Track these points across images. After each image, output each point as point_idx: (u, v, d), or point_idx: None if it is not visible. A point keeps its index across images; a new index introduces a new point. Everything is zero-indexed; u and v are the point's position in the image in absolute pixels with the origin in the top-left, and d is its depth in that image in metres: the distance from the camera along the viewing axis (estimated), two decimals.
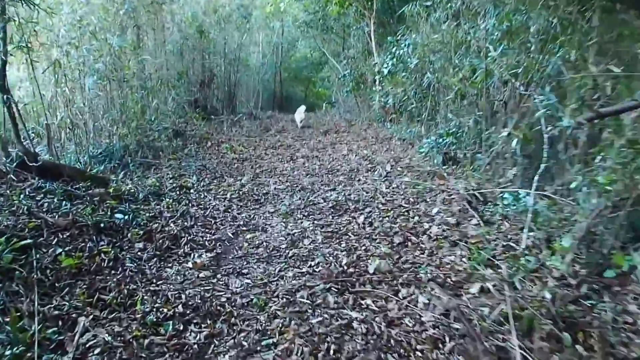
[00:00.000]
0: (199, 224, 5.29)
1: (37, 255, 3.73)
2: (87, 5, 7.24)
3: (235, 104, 15.33)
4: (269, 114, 18.66)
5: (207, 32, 12.84)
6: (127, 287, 3.71)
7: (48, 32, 6.79)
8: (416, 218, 5.43)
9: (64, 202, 4.78)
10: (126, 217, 4.84)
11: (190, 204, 5.87)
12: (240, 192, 6.49)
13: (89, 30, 6.98)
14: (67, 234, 4.26)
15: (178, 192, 6.25)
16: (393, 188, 6.61)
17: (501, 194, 5.56)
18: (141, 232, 4.71)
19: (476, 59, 6.85)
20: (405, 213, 5.65)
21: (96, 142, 7.35)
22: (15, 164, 5.05)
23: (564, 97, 5.22)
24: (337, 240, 4.95)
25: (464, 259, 4.36)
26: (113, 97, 7.56)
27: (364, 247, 4.74)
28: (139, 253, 4.38)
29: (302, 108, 14.26)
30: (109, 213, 4.82)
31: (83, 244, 4.20)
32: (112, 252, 4.20)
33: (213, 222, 5.42)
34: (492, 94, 6.54)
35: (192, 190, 6.43)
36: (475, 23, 7.28)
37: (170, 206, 5.57)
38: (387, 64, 10.00)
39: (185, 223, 5.21)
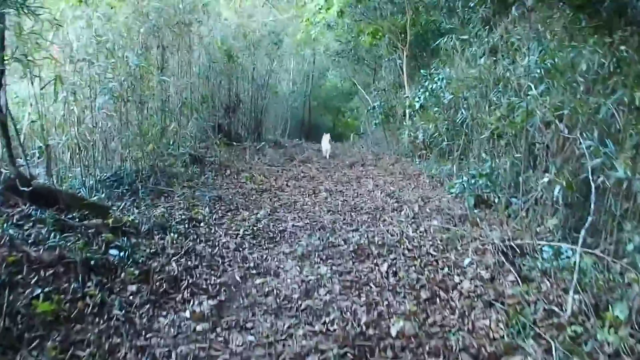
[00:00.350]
0: (204, 264, 4.78)
1: (11, 297, 3.23)
2: (107, 22, 6.91)
3: (261, 131, 14.95)
4: (295, 142, 18.32)
5: (236, 57, 12.54)
6: (110, 340, 3.20)
7: (64, 47, 6.48)
8: (446, 269, 4.87)
9: (53, 233, 4.32)
10: (122, 253, 4.36)
11: (198, 240, 5.39)
12: (255, 228, 5.99)
13: (106, 47, 6.62)
14: (51, 271, 3.78)
15: (186, 225, 5.75)
16: (421, 232, 6.06)
17: (540, 247, 5.00)
18: (137, 271, 4.21)
19: (515, 97, 6.34)
20: (434, 262, 5.10)
21: (106, 165, 6.96)
22: (1, 187, 4.57)
23: (614, 143, 4.68)
24: (357, 292, 4.41)
25: (500, 324, 3.78)
26: (128, 119, 7.18)
27: (386, 302, 4.19)
28: (131, 297, 3.89)
29: (328, 137, 13.77)
30: (103, 248, 4.35)
31: (67, 285, 3.71)
32: (100, 295, 3.70)
33: (220, 262, 4.92)
34: (532, 135, 5.99)
35: (202, 224, 5.94)
36: (514, 59, 6.79)
37: (175, 242, 5.09)
38: (419, 97, 9.53)
39: (189, 262, 4.72)
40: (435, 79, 9.24)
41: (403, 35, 12.15)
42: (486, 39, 7.88)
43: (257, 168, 10.11)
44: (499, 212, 6.47)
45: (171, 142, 8.50)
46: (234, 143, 12.03)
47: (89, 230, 4.58)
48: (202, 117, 10.90)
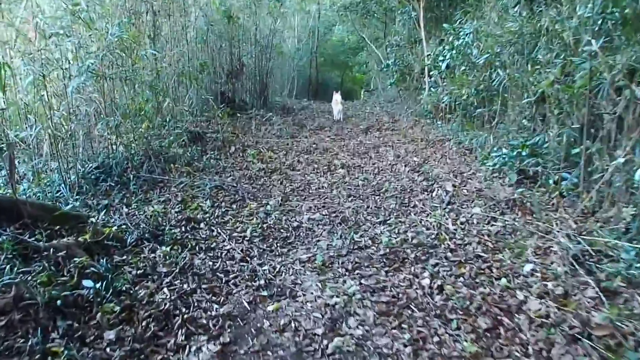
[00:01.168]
0: (203, 285, 3.78)
1: None
2: None
3: (267, 94, 13.78)
4: (304, 103, 17.27)
5: (236, 18, 11.33)
6: None
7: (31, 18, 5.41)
8: (503, 280, 3.86)
9: (12, 262, 3.35)
10: (99, 284, 3.37)
11: (196, 249, 4.38)
12: (264, 226, 4.98)
13: (81, 17, 5.52)
14: (3, 321, 2.86)
15: (183, 229, 4.73)
16: (462, 224, 5.02)
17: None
18: (118, 307, 3.24)
19: (572, 56, 5.21)
20: (486, 269, 4.08)
21: (92, 155, 5.95)
22: None
23: None
24: (396, 321, 3.40)
25: None
26: (113, 99, 6.13)
27: (436, 338, 3.20)
28: (108, 350, 2.92)
29: (338, 96, 12.64)
30: (75, 278, 3.38)
31: (23, 340, 2.78)
32: (65, 353, 2.76)
33: (224, 280, 3.92)
34: (596, 102, 4.88)
35: (202, 224, 4.91)
36: (562, 8, 5.62)
37: (168, 256, 4.09)
38: (444, 56, 8.30)
39: (185, 285, 3.73)
40: (461, 33, 8.02)
41: None
42: None
43: (265, 141, 9.04)
44: (549, 190, 5.44)
45: (167, 120, 7.44)
46: (239, 112, 10.94)
47: (59, 254, 3.60)
48: (202, 86, 9.82)
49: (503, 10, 7.40)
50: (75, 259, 3.57)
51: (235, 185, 6.19)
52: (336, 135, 10.45)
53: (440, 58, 8.29)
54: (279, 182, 6.65)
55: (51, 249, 3.61)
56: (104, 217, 4.72)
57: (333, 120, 12.57)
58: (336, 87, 27.17)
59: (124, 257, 3.98)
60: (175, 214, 5.07)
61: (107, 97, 5.93)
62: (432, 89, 8.94)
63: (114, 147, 6.08)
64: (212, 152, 7.66)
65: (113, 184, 5.59)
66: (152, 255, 4.10)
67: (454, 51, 7.88)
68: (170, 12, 8.72)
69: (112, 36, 5.56)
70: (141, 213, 4.94)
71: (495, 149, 6.72)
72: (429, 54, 9.68)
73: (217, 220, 5.11)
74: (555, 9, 5.82)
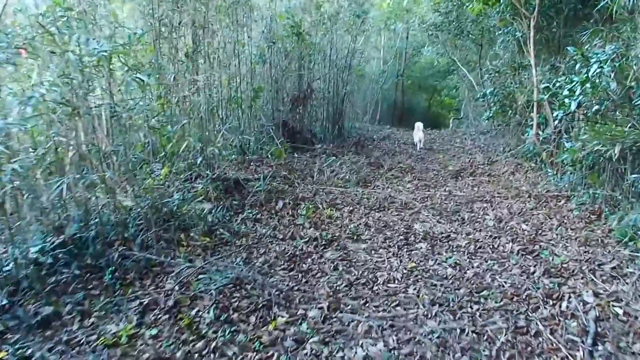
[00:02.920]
0: None
1: None
2: None
3: (342, 124, 11.79)
4: (386, 131, 15.29)
5: (307, 34, 9.48)
6: None
7: None
8: None
9: None
10: None
11: None
12: None
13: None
14: None
15: None
16: None
17: None
18: None
19: None
20: None
21: (50, 228, 4.10)
22: None
23: None
24: None
25: None
26: (97, 142, 4.30)
27: None
28: None
29: (420, 125, 12.05)
30: None
31: None
32: None
33: None
34: None
35: None
36: None
37: None
38: (572, 90, 5.81)
39: None
40: (593, 59, 5.63)
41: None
42: None
43: (327, 191, 6.99)
44: None
45: (196, 163, 5.64)
46: (303, 147, 9.03)
47: None
48: (257, 115, 8.02)
49: None
50: None
51: (264, 272, 4.23)
52: (419, 180, 8.33)
53: (565, 92, 5.84)
54: (332, 266, 4.60)
55: None
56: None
57: (416, 154, 10.49)
58: (423, 111, 25.14)
59: None
60: (152, 342, 3.15)
61: (88, 138, 4.13)
62: (566, 143, 6.36)
63: (97, 212, 4.23)
64: (250, 210, 5.74)
65: (78, 273, 3.75)
66: None
67: (587, 84, 5.46)
68: (219, 25, 6.98)
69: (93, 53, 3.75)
70: (97, 339, 3.07)
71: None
72: (547, 85, 7.19)
73: (215, 354, 3.15)
74: None
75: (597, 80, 5.35)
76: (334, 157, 8.81)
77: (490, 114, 10.28)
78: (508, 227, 5.87)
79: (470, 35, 13.21)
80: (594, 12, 7.28)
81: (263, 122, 8.60)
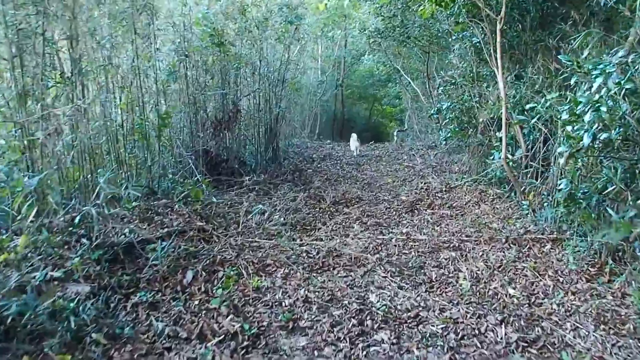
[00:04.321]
0: None
1: None
2: None
3: (277, 146, 10.10)
4: (326, 148, 13.86)
5: (230, 44, 7.79)
6: None
7: None
8: None
9: None
10: None
11: None
12: None
13: None
14: None
15: None
16: None
17: None
18: None
19: None
20: None
21: None
22: None
23: None
24: None
25: None
26: None
27: None
28: None
29: (355, 135, 13.34)
30: None
31: None
32: None
33: None
34: None
35: None
36: None
37: None
38: (579, 116, 4.06)
39: None
40: (595, 75, 4.12)
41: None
42: None
43: (255, 246, 5.24)
44: None
45: (73, 225, 3.88)
46: (228, 180, 7.31)
47: None
48: (166, 147, 6.30)
49: None
50: None
51: None
52: (369, 217, 6.76)
53: (564, 116, 4.21)
54: None
55: None
56: None
57: (363, 182, 9.01)
58: (364, 121, 24.11)
59: None
60: None
61: None
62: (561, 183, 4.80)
63: None
64: (145, 291, 3.97)
65: None
66: None
67: (603, 107, 3.86)
68: (111, 35, 5.23)
69: None
70: None
71: None
72: (534, 105, 5.53)
73: None
74: None
75: (610, 101, 3.89)
76: (267, 194, 7.13)
77: (448, 134, 8.78)
78: (491, 293, 4.40)
79: (418, 42, 11.79)
80: (572, 12, 5.99)
81: (181, 152, 6.85)
